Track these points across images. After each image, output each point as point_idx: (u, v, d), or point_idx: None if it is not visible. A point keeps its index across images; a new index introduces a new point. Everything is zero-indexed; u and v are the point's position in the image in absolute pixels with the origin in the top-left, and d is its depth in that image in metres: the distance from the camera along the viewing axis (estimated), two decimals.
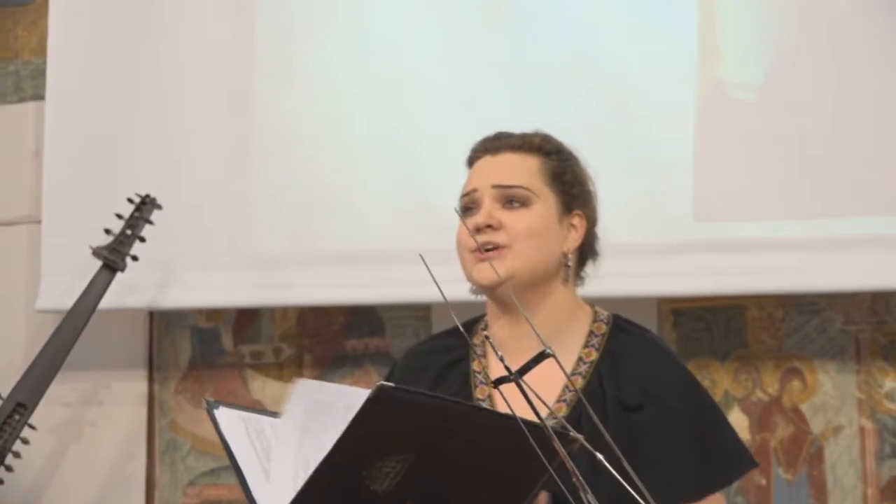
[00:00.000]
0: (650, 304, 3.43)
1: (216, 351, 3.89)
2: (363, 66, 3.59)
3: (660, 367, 2.20)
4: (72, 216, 3.80)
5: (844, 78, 3.25)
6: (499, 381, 1.69)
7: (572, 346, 2.22)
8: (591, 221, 2.29)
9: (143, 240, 3.59)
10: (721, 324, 3.45)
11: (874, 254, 3.20)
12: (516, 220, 2.20)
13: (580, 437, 1.77)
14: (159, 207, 3.61)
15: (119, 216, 3.60)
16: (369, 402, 1.71)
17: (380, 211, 3.55)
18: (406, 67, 3.56)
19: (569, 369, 2.18)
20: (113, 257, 3.57)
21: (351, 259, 3.55)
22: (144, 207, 3.61)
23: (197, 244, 3.68)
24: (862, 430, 3.33)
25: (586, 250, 2.29)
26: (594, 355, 2.21)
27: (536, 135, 2.31)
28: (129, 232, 3.59)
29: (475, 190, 2.25)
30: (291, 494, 1.80)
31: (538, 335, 1.85)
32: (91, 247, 3.57)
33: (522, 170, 2.24)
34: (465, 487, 1.81)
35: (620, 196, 3.02)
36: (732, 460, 2.20)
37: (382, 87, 3.57)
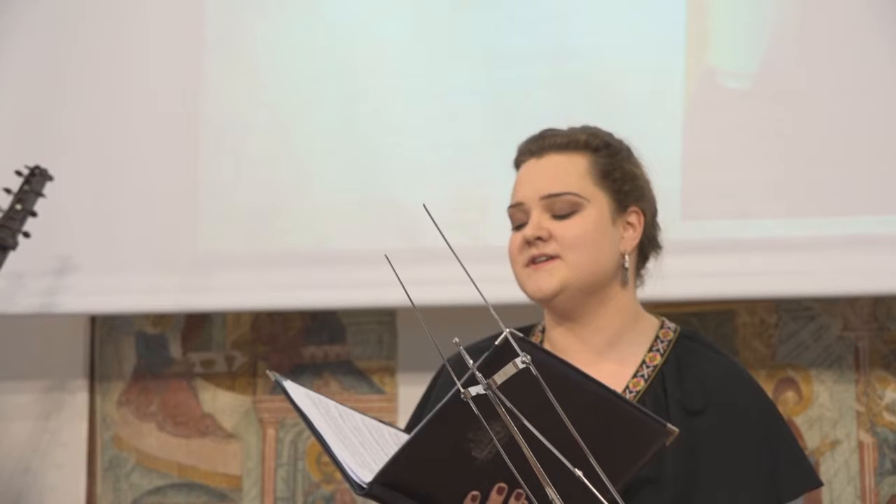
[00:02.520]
0: None
1: (163, 359, 3.79)
2: (323, 51, 3.50)
3: (727, 374, 2.21)
4: None
5: (845, 65, 3.18)
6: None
7: (636, 349, 2.24)
8: (650, 214, 2.28)
9: (34, 214, 3.47)
10: (709, 330, 3.40)
11: (874, 255, 3.14)
12: (566, 229, 2.20)
13: (676, 430, 1.92)
14: (51, 178, 3.50)
15: (7, 191, 3.47)
16: (497, 349, 1.78)
17: (341, 207, 3.47)
18: (370, 52, 3.47)
19: (631, 372, 2.22)
20: (2, 234, 3.43)
21: (310, 259, 3.47)
22: (34, 179, 3.48)
23: (142, 243, 3.57)
24: (861, 444, 3.28)
25: (646, 245, 2.29)
26: (658, 359, 2.23)
27: (583, 130, 2.29)
28: (18, 207, 3.45)
29: (522, 203, 2.25)
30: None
31: (515, 347, 1.78)
32: None
33: (570, 173, 2.23)
34: (556, 473, 1.78)
35: None
36: (798, 475, 2.19)
37: (345, 73, 3.48)
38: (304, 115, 3.50)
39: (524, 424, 1.67)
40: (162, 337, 3.78)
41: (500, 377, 1.71)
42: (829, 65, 3.18)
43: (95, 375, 3.81)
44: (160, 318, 3.78)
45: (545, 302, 2.22)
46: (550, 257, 2.19)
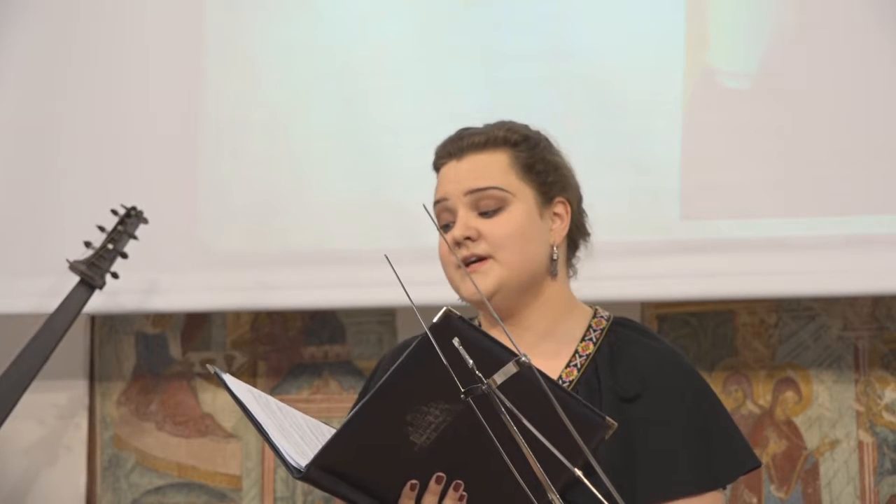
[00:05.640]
0: (633, 309, 3.37)
1: (163, 359, 3.79)
2: (323, 51, 3.50)
3: (660, 359, 2.17)
4: (10, 215, 3.69)
5: (845, 65, 3.18)
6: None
7: (569, 339, 2.19)
8: (575, 203, 2.23)
9: (125, 256, 3.46)
10: (709, 330, 3.40)
11: (874, 255, 3.14)
12: (495, 227, 2.16)
13: (615, 423, 1.91)
14: (145, 221, 3.48)
15: (101, 228, 3.45)
16: (436, 326, 1.78)
17: (341, 207, 3.46)
18: (370, 52, 3.48)
19: (564, 362, 2.18)
20: (91, 273, 3.41)
21: (310, 259, 3.47)
22: (129, 221, 3.47)
23: (142, 243, 3.53)
24: (860, 444, 3.28)
25: (575, 234, 2.24)
26: (591, 348, 2.19)
27: (499, 126, 2.24)
28: (110, 246, 3.44)
29: (446, 199, 2.20)
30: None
31: (514, 345, 1.79)
32: (68, 260, 3.43)
33: (493, 170, 2.19)
34: (494, 464, 1.77)
35: (601, 193, 2.94)
36: (735, 458, 2.16)
37: (345, 74, 3.49)
38: (304, 115, 3.50)
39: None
40: (162, 337, 3.78)
41: (501, 376, 1.70)
42: (829, 65, 3.18)
43: (95, 375, 3.81)
44: (160, 318, 3.77)
45: (481, 304, 2.17)
46: (482, 258, 2.14)
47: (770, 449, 3.31)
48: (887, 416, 3.25)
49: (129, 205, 3.48)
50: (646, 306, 3.40)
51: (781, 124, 3.19)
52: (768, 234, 3.19)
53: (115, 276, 3.45)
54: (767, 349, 3.35)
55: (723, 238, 3.22)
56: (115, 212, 3.47)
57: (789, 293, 3.25)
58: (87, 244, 3.43)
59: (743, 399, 3.34)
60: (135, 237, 3.46)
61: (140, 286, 3.57)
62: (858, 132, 3.15)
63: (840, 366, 3.30)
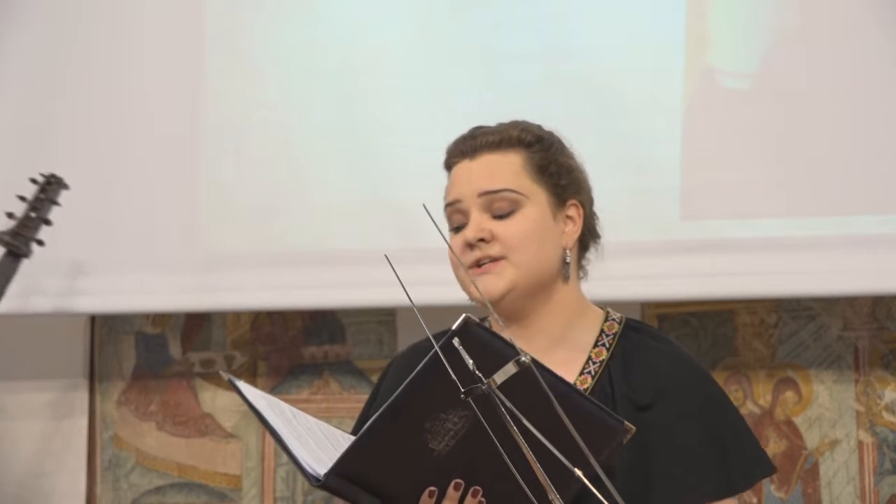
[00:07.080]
0: (633, 309, 3.35)
1: (163, 359, 3.79)
2: (323, 51, 3.50)
3: (674, 366, 2.15)
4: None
5: (845, 65, 3.18)
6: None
7: (582, 345, 2.18)
8: (587, 206, 2.22)
9: (48, 223, 3.48)
10: (709, 330, 3.39)
11: (874, 255, 3.14)
12: (508, 228, 2.14)
13: (632, 427, 1.91)
14: (66, 187, 3.50)
15: (22, 198, 3.47)
16: (454, 333, 1.79)
17: (342, 207, 3.46)
18: (370, 52, 3.47)
19: (578, 369, 2.16)
20: (16, 242, 3.44)
21: (310, 259, 3.47)
22: (49, 188, 3.49)
23: (142, 243, 3.57)
24: (860, 444, 3.27)
25: (586, 235, 2.22)
26: (605, 354, 2.17)
27: (513, 126, 2.22)
28: (33, 215, 3.47)
29: (459, 200, 2.18)
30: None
31: (515, 346, 1.80)
32: None
33: (506, 171, 2.17)
34: (510, 468, 1.77)
35: (601, 193, 2.92)
36: (751, 464, 2.15)
37: (345, 74, 3.48)
38: (304, 115, 3.49)
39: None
40: (162, 337, 3.78)
41: (501, 376, 1.70)
42: (829, 65, 3.18)
43: (95, 375, 3.80)
44: (160, 318, 3.77)
45: (493, 305, 2.14)
46: (495, 259, 2.13)
47: (770, 449, 3.30)
48: (887, 416, 3.25)
49: (47, 173, 3.49)
50: (646, 306, 3.40)
51: (781, 124, 3.19)
52: (768, 234, 3.18)
53: (40, 243, 3.46)
54: (767, 349, 3.34)
55: (723, 238, 3.21)
56: (34, 181, 3.48)
57: (789, 293, 3.24)
58: (10, 215, 3.45)
59: (743, 399, 3.33)
60: (57, 203, 3.47)
61: (140, 286, 3.57)
62: (858, 132, 3.15)
63: (840, 366, 3.29)
